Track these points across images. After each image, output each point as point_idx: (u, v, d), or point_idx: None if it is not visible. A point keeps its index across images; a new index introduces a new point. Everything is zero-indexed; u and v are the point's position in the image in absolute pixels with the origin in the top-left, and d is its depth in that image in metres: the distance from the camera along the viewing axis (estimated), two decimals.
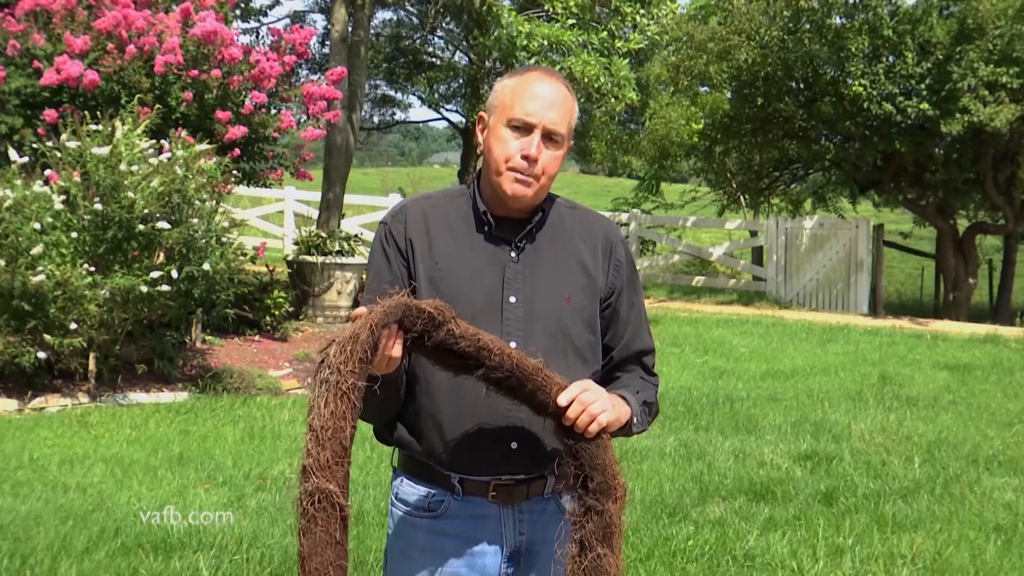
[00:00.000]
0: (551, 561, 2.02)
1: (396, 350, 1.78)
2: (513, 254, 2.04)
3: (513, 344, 1.96)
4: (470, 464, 2.00)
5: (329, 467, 1.66)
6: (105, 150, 7.30)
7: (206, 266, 7.56)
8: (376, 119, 20.85)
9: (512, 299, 2.02)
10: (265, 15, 16.67)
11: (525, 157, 1.99)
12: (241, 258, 8.90)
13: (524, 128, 2.00)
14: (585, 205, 2.23)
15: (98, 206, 7.19)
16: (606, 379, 2.11)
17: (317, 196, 13.55)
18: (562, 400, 1.86)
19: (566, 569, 1.89)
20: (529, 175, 2.00)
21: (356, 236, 11.90)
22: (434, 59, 18.42)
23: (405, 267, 2.04)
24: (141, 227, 7.29)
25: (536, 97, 2.00)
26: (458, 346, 1.81)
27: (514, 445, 1.99)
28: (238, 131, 8.69)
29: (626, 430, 2.02)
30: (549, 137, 2.01)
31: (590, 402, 1.87)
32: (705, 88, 17.48)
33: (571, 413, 1.86)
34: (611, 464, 1.90)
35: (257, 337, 10.02)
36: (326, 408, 1.67)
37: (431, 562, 2.04)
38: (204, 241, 7.66)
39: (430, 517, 2.05)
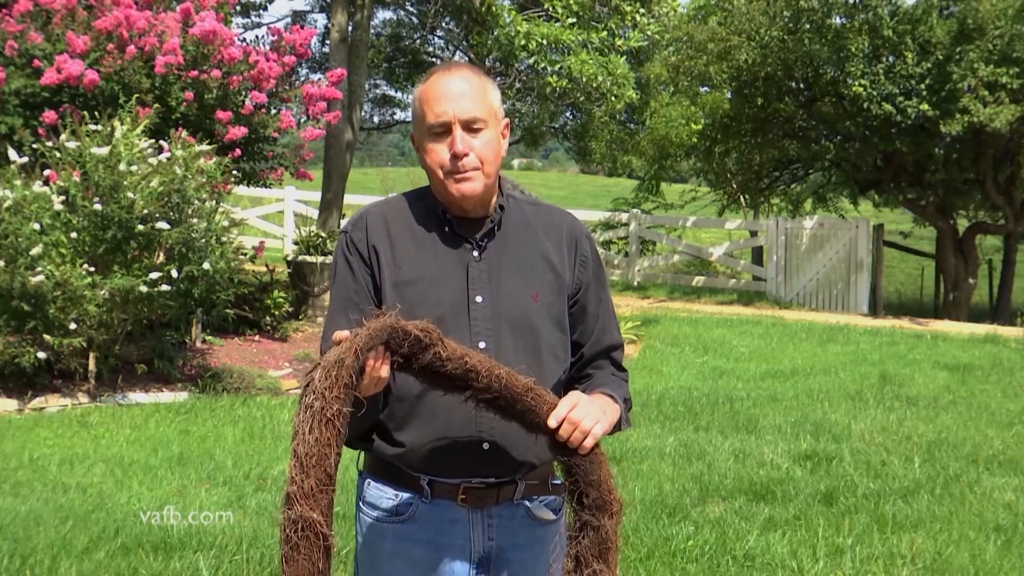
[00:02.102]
0: (520, 568, 2.02)
1: (384, 371, 1.76)
2: (475, 253, 2.02)
3: (482, 344, 1.94)
4: (441, 465, 1.97)
5: (313, 495, 1.65)
6: (104, 150, 7.30)
7: (206, 265, 7.55)
8: (376, 119, 20.86)
9: (479, 299, 1.99)
10: (265, 8, 16.67)
11: (454, 156, 1.96)
12: (241, 257, 8.90)
13: (443, 131, 1.98)
14: (548, 202, 2.20)
15: (97, 206, 7.19)
16: (577, 376, 2.10)
17: (317, 196, 13.54)
18: (552, 423, 1.84)
19: None
20: (467, 170, 1.97)
21: None
22: (434, 59, 18.41)
23: (369, 275, 2.01)
24: (140, 227, 7.29)
25: (440, 96, 1.98)
26: (445, 368, 1.79)
27: (486, 446, 1.97)
28: (238, 131, 8.69)
29: (616, 428, 2.01)
30: (469, 127, 1.98)
31: (581, 418, 1.85)
32: (705, 88, 17.47)
33: (563, 433, 1.84)
34: (606, 479, 1.88)
35: (257, 337, 10.02)
36: (311, 434, 1.65)
37: (399, 569, 2.01)
38: (204, 241, 7.65)
39: (398, 522, 2.01)
